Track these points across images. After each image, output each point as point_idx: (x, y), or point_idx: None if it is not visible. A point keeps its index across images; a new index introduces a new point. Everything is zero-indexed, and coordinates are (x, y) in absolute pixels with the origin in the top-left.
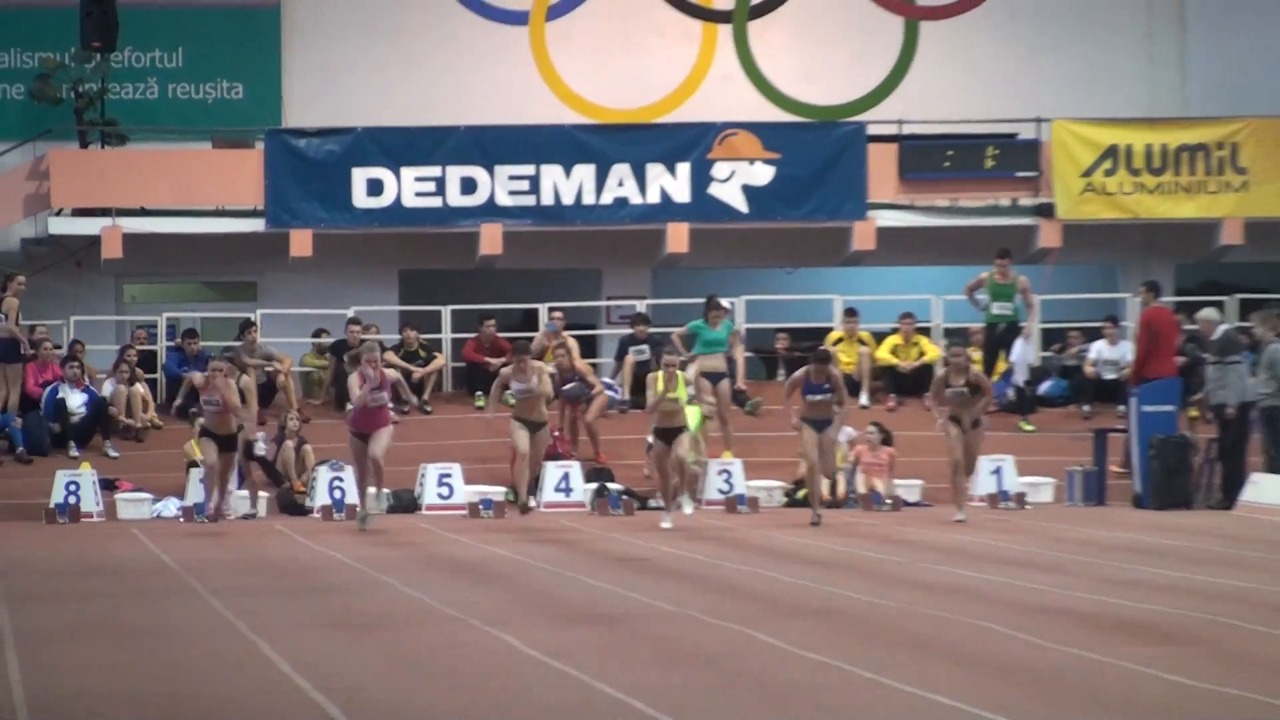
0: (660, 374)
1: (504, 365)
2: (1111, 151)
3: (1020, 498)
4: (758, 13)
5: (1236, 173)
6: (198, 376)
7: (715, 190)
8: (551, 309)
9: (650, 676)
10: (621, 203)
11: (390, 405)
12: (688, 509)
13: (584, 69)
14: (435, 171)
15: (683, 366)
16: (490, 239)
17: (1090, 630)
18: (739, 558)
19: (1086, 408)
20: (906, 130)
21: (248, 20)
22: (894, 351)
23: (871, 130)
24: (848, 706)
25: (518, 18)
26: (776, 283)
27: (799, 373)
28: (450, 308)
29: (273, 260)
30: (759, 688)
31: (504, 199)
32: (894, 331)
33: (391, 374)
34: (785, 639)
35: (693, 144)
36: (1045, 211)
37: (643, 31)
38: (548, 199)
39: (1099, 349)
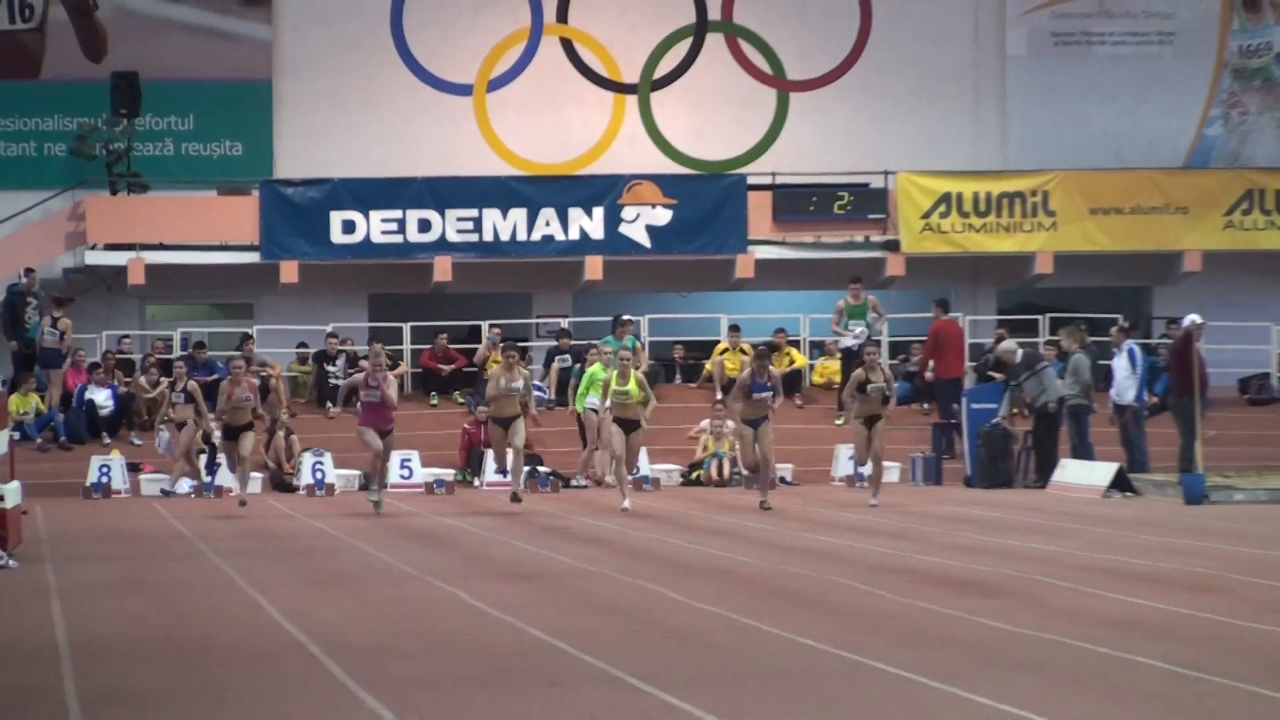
0: (615, 371)
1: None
2: (945, 198)
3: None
4: (657, 85)
5: (1047, 215)
6: (225, 384)
7: (624, 229)
8: (491, 325)
9: (571, 622)
10: (548, 239)
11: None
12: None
13: (517, 131)
14: (397, 214)
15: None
16: (442, 269)
17: (928, 586)
18: (644, 528)
19: (925, 405)
20: (779, 181)
21: (245, 92)
22: (783, 362)
23: (751, 180)
24: (731, 646)
25: (464, 90)
26: (673, 304)
27: (745, 374)
28: (409, 324)
29: (266, 286)
30: (659, 631)
31: (453, 236)
32: (765, 346)
33: (396, 375)
34: (681, 593)
35: (605, 191)
36: (891, 247)
37: (565, 101)
38: (488, 236)
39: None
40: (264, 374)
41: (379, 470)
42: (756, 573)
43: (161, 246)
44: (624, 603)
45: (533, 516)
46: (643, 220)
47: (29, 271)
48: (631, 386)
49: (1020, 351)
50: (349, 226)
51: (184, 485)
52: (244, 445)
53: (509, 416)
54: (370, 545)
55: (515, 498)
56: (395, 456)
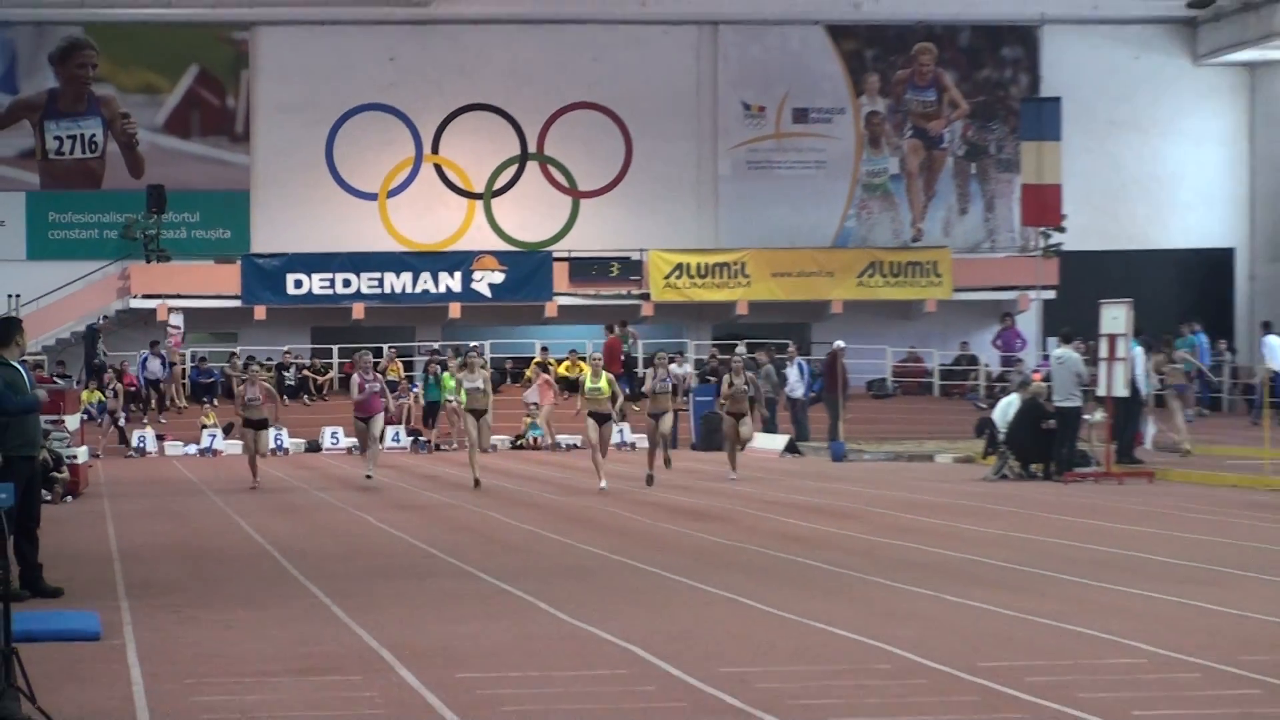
0: (589, 371)
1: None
2: (679, 266)
3: (633, 445)
4: (495, 194)
5: (744, 277)
6: (240, 386)
7: (474, 285)
8: (389, 347)
9: (439, 537)
10: (425, 292)
11: (383, 395)
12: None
13: (406, 223)
14: (329, 276)
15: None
16: (358, 311)
17: (669, 514)
18: (494, 477)
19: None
20: (573, 255)
21: (233, 198)
22: (566, 370)
23: (555, 255)
24: (543, 553)
25: (372, 196)
26: (505, 334)
27: (652, 375)
28: (337, 346)
29: (245, 321)
30: (499, 543)
31: (365, 290)
32: (564, 360)
33: (381, 379)
34: (511, 518)
35: (462, 262)
36: (645, 298)
37: (436, 204)
38: (387, 290)
39: (673, 368)
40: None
41: (369, 450)
42: (561, 505)
43: (178, 296)
44: (473, 525)
45: (417, 467)
46: (486, 280)
47: (106, 317)
48: (603, 384)
49: (744, 368)
50: (298, 284)
51: (192, 449)
52: (261, 442)
53: (479, 410)
54: (311, 487)
55: (476, 482)
56: (327, 430)
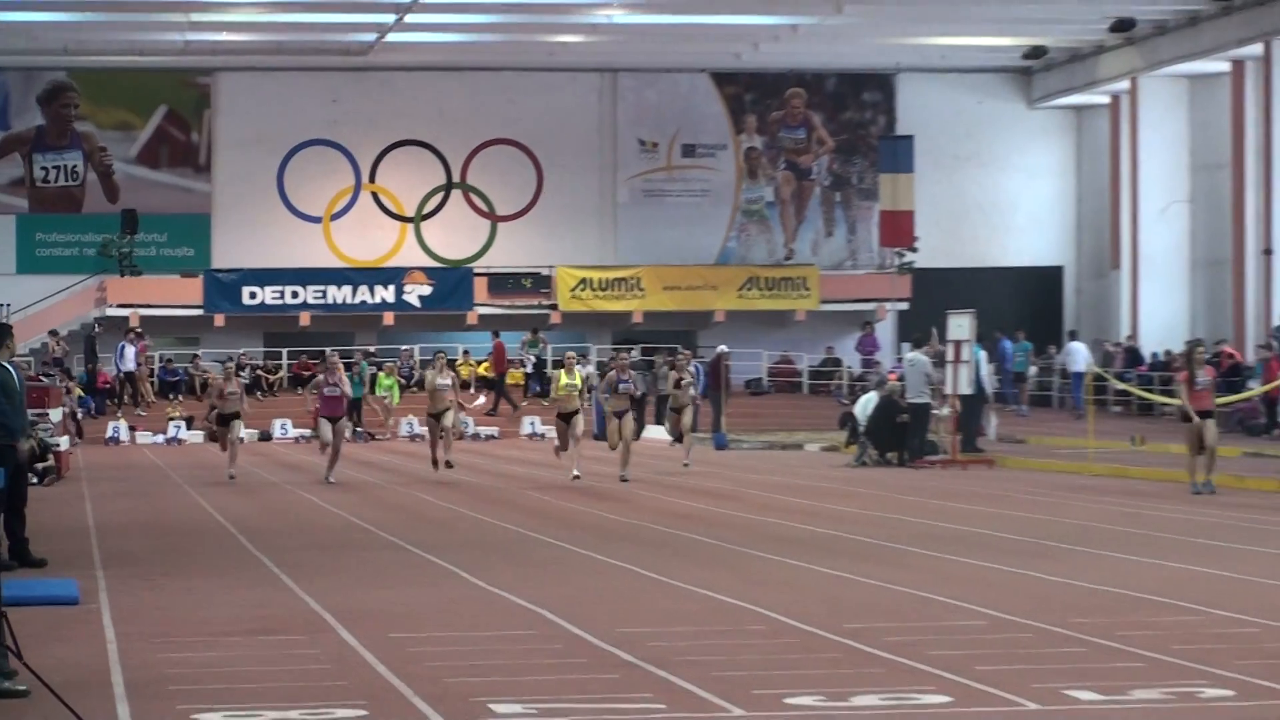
0: (563, 370)
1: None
2: (584, 280)
3: (543, 436)
4: (424, 218)
5: (640, 290)
6: (219, 382)
7: (405, 297)
8: (330, 350)
9: (372, 514)
10: (363, 303)
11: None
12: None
13: (347, 243)
14: (280, 289)
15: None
16: (304, 319)
17: (570, 494)
18: (415, 462)
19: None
20: (492, 271)
21: (196, 220)
22: (485, 370)
23: (476, 270)
24: (462, 528)
25: (317, 219)
26: (432, 339)
27: (612, 374)
28: (286, 349)
29: (206, 328)
30: (426, 520)
31: (310, 300)
32: (484, 361)
33: (346, 376)
34: (437, 499)
35: (395, 276)
36: (553, 308)
37: (373, 226)
38: (330, 301)
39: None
40: (207, 378)
41: (330, 456)
42: (478, 486)
43: (148, 305)
44: (404, 504)
45: (354, 454)
46: (415, 292)
47: (100, 321)
48: (576, 380)
49: (633, 369)
50: (253, 295)
51: (160, 438)
52: (235, 431)
53: (442, 409)
54: (263, 471)
55: (449, 464)
56: (277, 422)
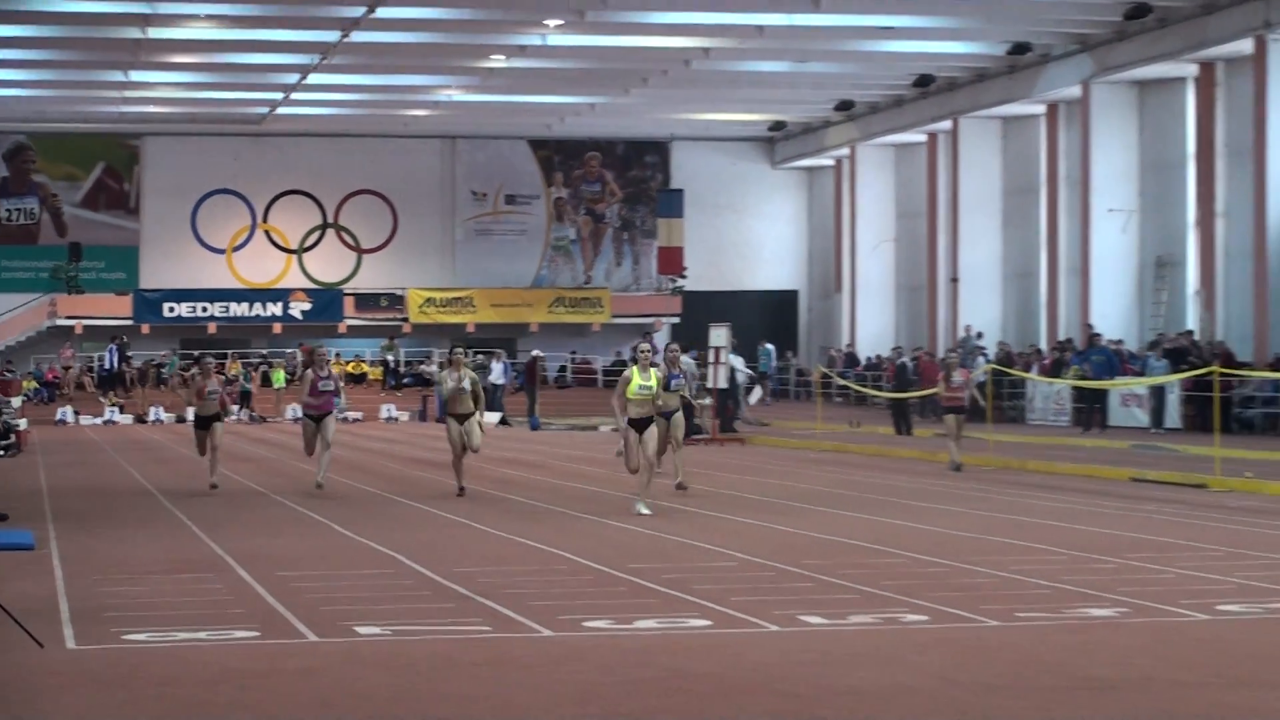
0: (635, 367)
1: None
2: (430, 300)
3: (396, 419)
4: (305, 250)
5: (473, 307)
6: (199, 382)
7: (290, 312)
8: (232, 353)
9: (267, 481)
10: (258, 316)
11: (338, 394)
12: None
13: (246, 268)
14: (193, 304)
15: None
16: (212, 329)
17: (423, 465)
18: (298, 441)
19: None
20: (358, 291)
21: (126, 251)
22: (352, 369)
23: (346, 291)
24: (339, 492)
25: (222, 250)
26: (315, 341)
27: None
28: (197, 351)
29: (135, 335)
30: (305, 485)
31: (216, 314)
32: (350, 361)
33: (336, 372)
34: (313, 467)
35: (282, 296)
36: (405, 320)
37: (265, 257)
38: (232, 314)
39: (436, 371)
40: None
41: (316, 455)
42: (347, 458)
43: (89, 317)
44: (289, 473)
45: (250, 433)
46: (298, 308)
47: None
48: (653, 381)
49: (468, 369)
50: (171, 309)
51: (98, 420)
52: (216, 435)
53: (463, 414)
54: (178, 445)
55: (461, 492)
56: (190, 410)
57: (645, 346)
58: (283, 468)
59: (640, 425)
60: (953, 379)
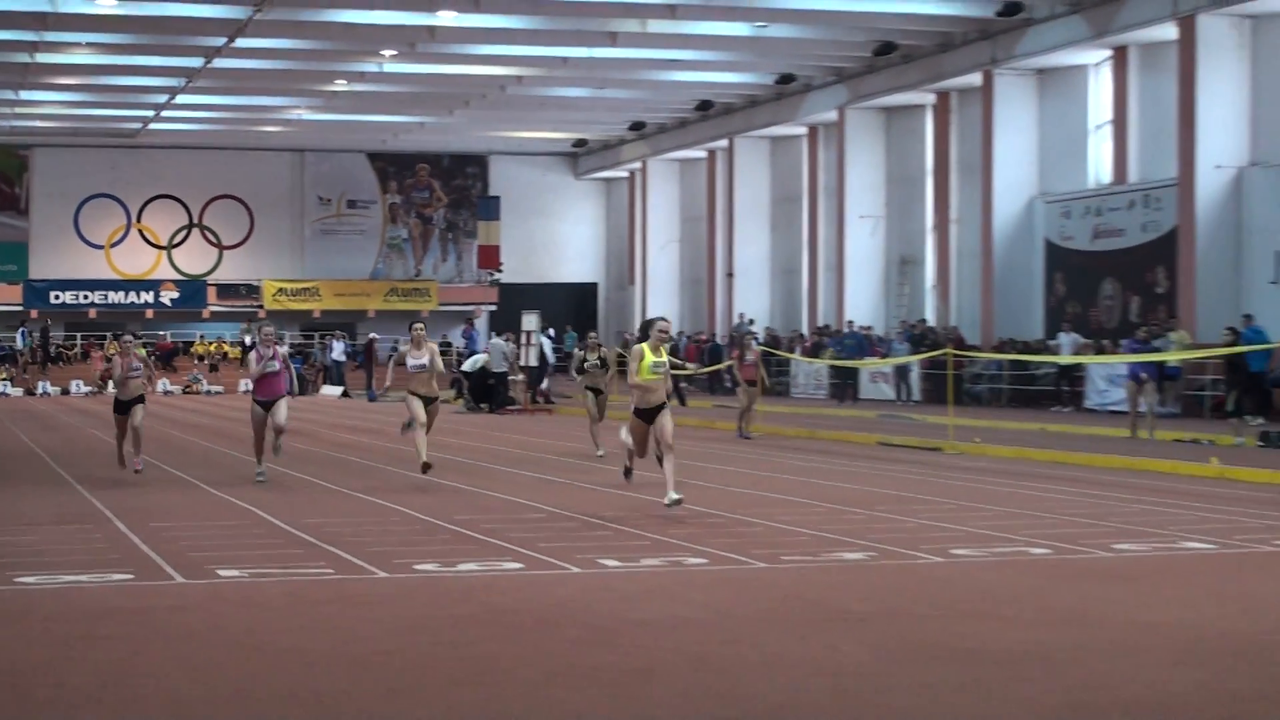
0: (645, 345)
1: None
2: (282, 289)
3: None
4: (174, 247)
5: (319, 295)
6: (122, 360)
7: (161, 299)
8: (112, 333)
9: (147, 449)
10: (133, 303)
11: (288, 372)
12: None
13: (125, 261)
14: (76, 292)
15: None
16: (91, 314)
17: (362, 434)
18: (165, 409)
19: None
20: (220, 282)
21: (17, 246)
22: (213, 349)
23: (209, 282)
24: (210, 458)
25: (100, 246)
26: (178, 328)
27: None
28: (80, 333)
29: (26, 319)
30: (172, 448)
31: (97, 301)
32: (212, 343)
33: (282, 350)
34: (181, 432)
35: (154, 285)
36: (261, 306)
37: (140, 253)
38: (111, 301)
39: (336, 346)
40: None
41: (259, 446)
42: (212, 426)
43: None
44: (167, 440)
45: (182, 402)
46: (168, 296)
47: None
48: (664, 357)
49: (340, 346)
50: (57, 296)
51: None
52: (136, 417)
53: (428, 396)
54: (73, 419)
55: (425, 466)
56: (74, 383)
57: (663, 324)
58: (154, 434)
59: (648, 415)
60: (746, 357)
